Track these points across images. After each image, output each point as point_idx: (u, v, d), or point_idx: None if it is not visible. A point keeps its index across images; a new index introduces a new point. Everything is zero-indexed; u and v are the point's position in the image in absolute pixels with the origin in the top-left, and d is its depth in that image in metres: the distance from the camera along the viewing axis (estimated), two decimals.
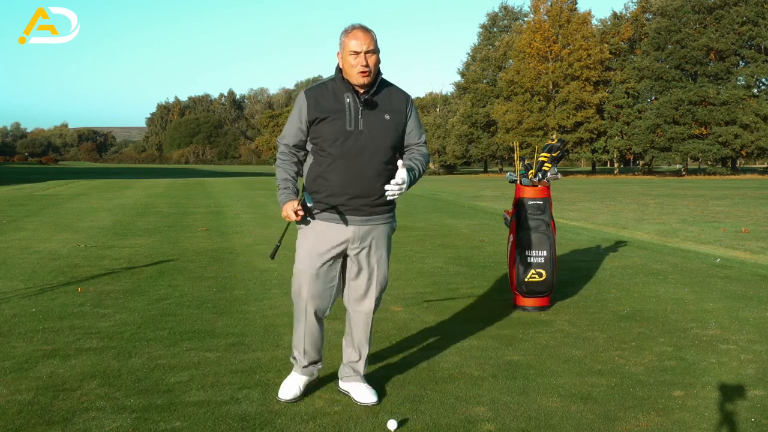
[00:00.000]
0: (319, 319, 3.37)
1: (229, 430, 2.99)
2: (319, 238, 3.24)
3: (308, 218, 3.25)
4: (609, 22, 56.55)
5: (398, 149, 3.34)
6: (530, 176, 5.43)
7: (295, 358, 3.46)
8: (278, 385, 3.49)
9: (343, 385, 3.47)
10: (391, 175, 3.25)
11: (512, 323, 4.90)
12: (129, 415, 3.12)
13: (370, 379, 3.56)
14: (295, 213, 3.15)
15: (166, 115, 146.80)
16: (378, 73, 3.22)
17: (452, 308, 5.36)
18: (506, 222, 5.47)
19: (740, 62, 49.90)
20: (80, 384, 3.53)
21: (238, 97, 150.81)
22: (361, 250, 3.29)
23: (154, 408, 3.22)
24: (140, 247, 8.79)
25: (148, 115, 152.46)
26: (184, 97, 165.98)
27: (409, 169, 3.24)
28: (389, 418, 3.04)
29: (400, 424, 3.04)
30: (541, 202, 5.31)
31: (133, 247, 8.79)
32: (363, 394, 3.32)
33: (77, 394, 3.38)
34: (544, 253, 5.22)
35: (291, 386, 3.39)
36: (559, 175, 5.56)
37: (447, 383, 3.60)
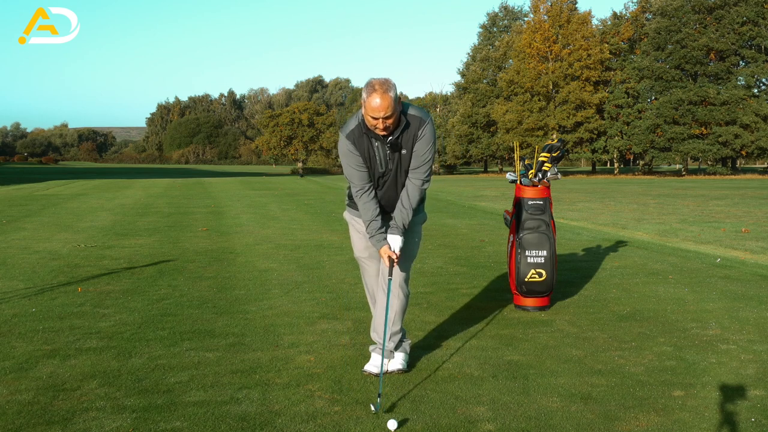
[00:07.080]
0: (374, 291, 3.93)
1: (229, 430, 2.99)
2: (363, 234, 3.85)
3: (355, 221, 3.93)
4: (609, 22, 56.43)
5: None
6: (530, 176, 5.43)
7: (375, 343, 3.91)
8: (278, 385, 3.54)
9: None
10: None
11: (512, 323, 4.90)
12: (129, 415, 3.12)
13: (367, 376, 3.66)
14: (389, 258, 3.66)
15: (166, 115, 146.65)
16: (398, 120, 3.52)
17: (452, 308, 5.36)
18: (506, 222, 5.47)
19: (740, 62, 49.81)
20: (80, 384, 3.53)
21: (238, 97, 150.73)
22: None
23: (154, 408, 3.22)
24: (140, 247, 8.80)
25: (148, 115, 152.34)
26: (184, 97, 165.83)
27: (397, 229, 3.67)
28: (389, 418, 3.04)
29: (400, 424, 3.04)
30: (541, 202, 5.31)
31: (133, 247, 8.79)
32: (393, 362, 3.77)
33: (77, 394, 3.38)
34: (544, 253, 5.22)
35: (396, 361, 3.80)
36: (559, 175, 5.56)
37: (447, 383, 3.60)
